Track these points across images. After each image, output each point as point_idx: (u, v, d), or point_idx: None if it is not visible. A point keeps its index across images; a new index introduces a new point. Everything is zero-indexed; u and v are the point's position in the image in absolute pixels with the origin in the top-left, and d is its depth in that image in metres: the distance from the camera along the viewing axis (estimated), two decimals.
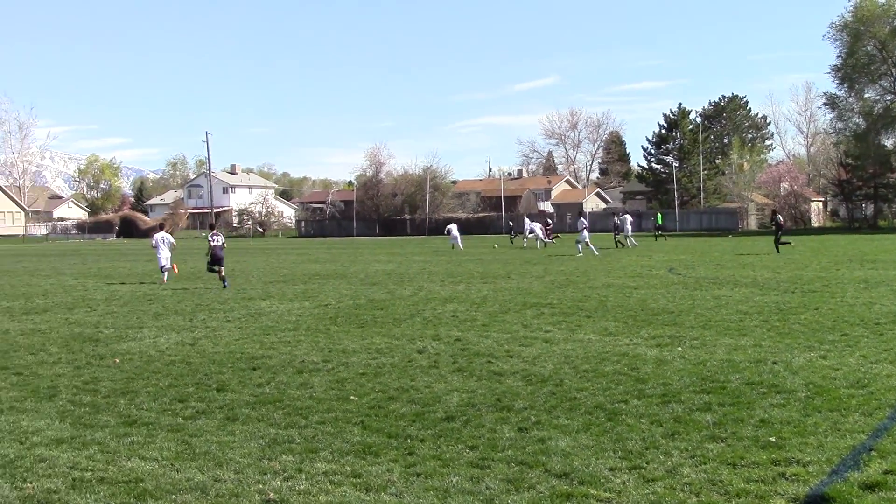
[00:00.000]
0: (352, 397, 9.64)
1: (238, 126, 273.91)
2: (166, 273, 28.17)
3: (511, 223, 51.13)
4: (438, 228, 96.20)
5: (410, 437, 7.91)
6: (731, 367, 10.82)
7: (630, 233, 48.10)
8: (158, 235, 29.27)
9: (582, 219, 42.41)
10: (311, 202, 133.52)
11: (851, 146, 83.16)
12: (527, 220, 50.95)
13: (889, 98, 79.69)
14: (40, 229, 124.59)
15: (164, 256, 28.32)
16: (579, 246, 40.99)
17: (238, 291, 23.60)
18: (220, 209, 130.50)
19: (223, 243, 26.32)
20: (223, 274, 25.73)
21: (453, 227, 50.19)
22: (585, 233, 41.08)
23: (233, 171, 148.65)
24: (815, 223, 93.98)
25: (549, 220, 56.45)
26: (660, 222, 61.80)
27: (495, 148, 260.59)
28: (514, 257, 40.25)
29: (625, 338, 13.57)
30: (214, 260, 25.80)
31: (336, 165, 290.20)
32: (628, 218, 48.91)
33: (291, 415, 8.88)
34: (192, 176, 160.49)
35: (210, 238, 26.36)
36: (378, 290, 23.37)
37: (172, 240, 29.39)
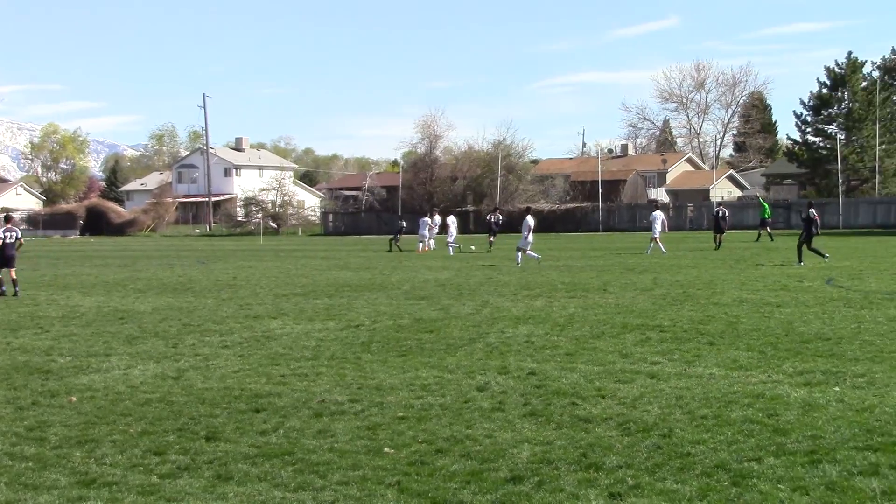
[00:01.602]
0: (386, 450, 9.71)
1: (246, 87, 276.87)
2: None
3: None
4: (513, 223, 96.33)
5: None
6: None
7: (657, 234, 47.87)
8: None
9: (657, 212, 48.12)
10: (342, 188, 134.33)
11: None
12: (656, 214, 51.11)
13: None
14: None
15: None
16: (651, 246, 46.72)
17: (241, 307, 23.88)
18: (221, 197, 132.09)
19: (18, 239, 28.34)
20: (14, 277, 27.50)
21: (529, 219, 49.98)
22: (657, 228, 46.94)
23: (238, 147, 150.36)
24: None
25: (493, 218, 56.92)
26: (766, 216, 61.49)
27: (591, 116, 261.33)
28: (612, 263, 40.16)
29: (760, 373, 13.49)
30: (3, 260, 27.51)
31: (376, 139, 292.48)
32: (659, 215, 48.97)
33: (305, 472, 8.98)
34: (183, 153, 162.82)
35: (2, 233, 27.96)
36: (427, 306, 23.50)
37: (19, 233, 29.51)
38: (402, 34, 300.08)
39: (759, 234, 60.37)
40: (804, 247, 36.30)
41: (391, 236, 60.29)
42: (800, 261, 35.78)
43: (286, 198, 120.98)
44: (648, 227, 50.22)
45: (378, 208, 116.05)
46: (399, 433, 10.40)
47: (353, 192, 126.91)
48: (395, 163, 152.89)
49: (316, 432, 10.52)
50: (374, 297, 25.92)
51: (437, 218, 60.14)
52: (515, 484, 8.48)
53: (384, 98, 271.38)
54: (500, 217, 60.05)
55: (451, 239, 55.02)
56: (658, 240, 47.85)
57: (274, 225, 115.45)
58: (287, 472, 9.04)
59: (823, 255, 36.77)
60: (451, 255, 49.04)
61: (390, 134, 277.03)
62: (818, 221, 37.13)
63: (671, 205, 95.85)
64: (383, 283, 30.88)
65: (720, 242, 51.90)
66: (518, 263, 39.30)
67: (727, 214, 55.12)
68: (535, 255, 40.57)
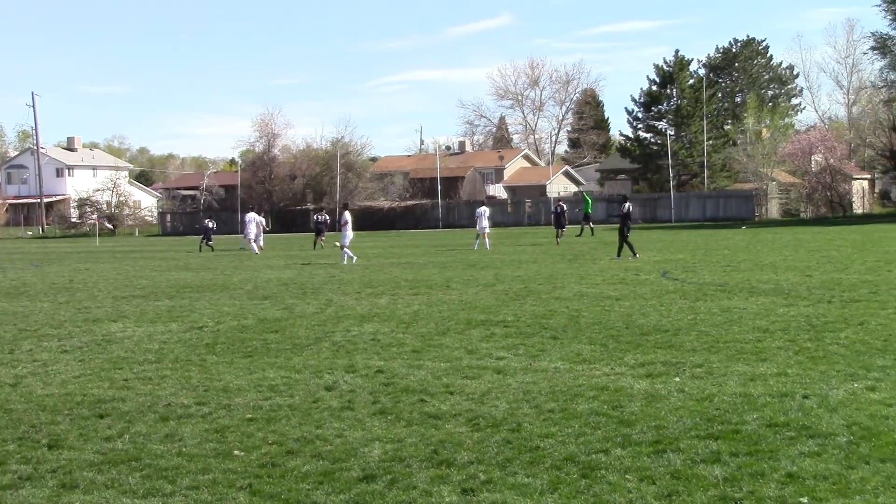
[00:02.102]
0: (236, 452, 9.59)
1: (77, 86, 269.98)
2: None
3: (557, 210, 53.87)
4: (353, 221, 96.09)
5: None
6: (747, 403, 10.99)
7: (485, 230, 48.95)
8: None
9: (483, 208, 50.37)
10: (179, 188, 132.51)
11: None
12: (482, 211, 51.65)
13: None
14: None
15: None
16: (477, 241, 48.70)
17: (79, 311, 23.35)
18: (53, 198, 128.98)
19: None
20: None
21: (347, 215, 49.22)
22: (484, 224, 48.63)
23: (70, 147, 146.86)
24: (858, 208, 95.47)
25: (320, 217, 59.00)
26: (589, 210, 63.48)
27: (428, 113, 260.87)
28: (454, 260, 40.40)
29: (604, 366, 13.70)
30: None
31: (212, 138, 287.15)
32: (484, 211, 50.23)
33: (153, 478, 8.82)
34: (11, 153, 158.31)
35: None
36: (271, 305, 23.32)
37: None
38: (236, 30, 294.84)
39: (582, 229, 61.95)
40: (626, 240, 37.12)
41: (202, 237, 59.59)
42: (634, 254, 36.53)
43: (122, 198, 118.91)
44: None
45: (217, 207, 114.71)
46: (248, 435, 10.29)
47: (191, 192, 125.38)
48: (232, 162, 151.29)
49: (163, 437, 10.34)
50: (217, 298, 25.62)
51: (261, 218, 59.98)
52: (368, 483, 8.46)
53: (220, 96, 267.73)
54: (327, 217, 60.52)
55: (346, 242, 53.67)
56: (486, 235, 48.53)
57: (110, 226, 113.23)
58: (135, 478, 8.86)
59: (635, 253, 37.05)
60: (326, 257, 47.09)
61: (227, 133, 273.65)
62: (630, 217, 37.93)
63: (509, 201, 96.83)
64: (225, 284, 30.54)
65: (562, 236, 53.33)
66: (345, 262, 39.18)
67: (566, 210, 56.39)
68: (351, 254, 40.05)
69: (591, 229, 61.12)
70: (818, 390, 11.49)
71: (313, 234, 58.64)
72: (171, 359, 15.52)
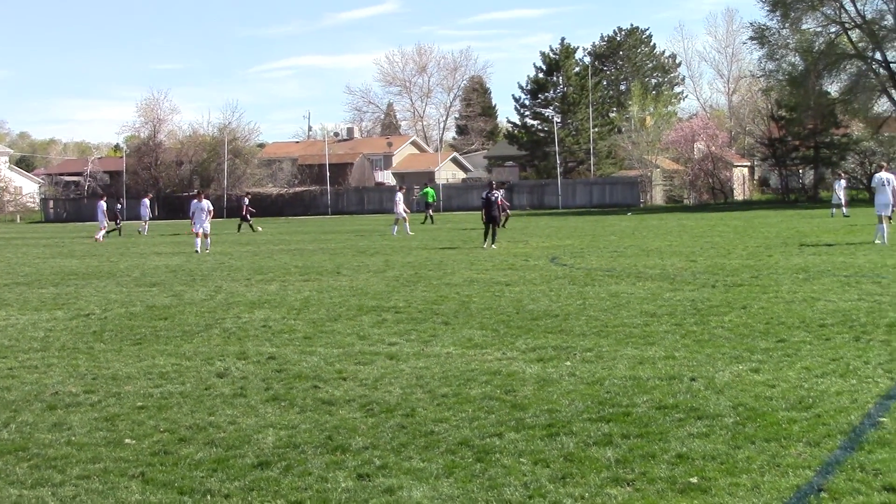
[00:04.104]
0: (127, 441, 9.45)
1: None
2: None
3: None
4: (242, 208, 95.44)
5: (211, 493, 7.82)
6: (637, 385, 11.11)
7: (403, 215, 49.63)
8: None
9: (400, 194, 51.99)
10: (62, 174, 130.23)
11: (785, 94, 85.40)
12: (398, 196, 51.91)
13: (833, 30, 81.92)
14: None
15: None
16: (395, 227, 49.27)
17: None
18: None
19: None
20: None
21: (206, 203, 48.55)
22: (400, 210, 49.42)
23: None
24: (738, 195, 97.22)
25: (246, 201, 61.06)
26: (431, 200, 64.89)
27: (316, 99, 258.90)
28: (344, 246, 40.31)
29: (495, 350, 13.75)
30: None
31: (96, 123, 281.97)
32: (402, 197, 50.97)
33: (41, 468, 8.65)
34: None
35: None
36: (160, 292, 23.03)
37: None
38: (119, 14, 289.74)
39: (426, 217, 63.05)
40: (501, 225, 37.01)
41: (115, 223, 59.40)
42: (493, 242, 36.08)
43: (1, 184, 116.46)
44: (377, 210, 51.00)
45: (101, 194, 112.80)
46: (139, 423, 10.14)
47: (75, 178, 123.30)
48: (117, 147, 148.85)
49: (51, 426, 10.14)
50: (104, 285, 25.22)
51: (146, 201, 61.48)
52: (263, 469, 8.39)
53: (103, 81, 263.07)
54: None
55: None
56: (406, 220, 48.77)
57: None
58: (22, 468, 8.67)
59: (493, 242, 36.12)
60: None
61: (111, 118, 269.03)
62: (500, 205, 37.58)
63: (399, 187, 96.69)
64: (112, 271, 30.09)
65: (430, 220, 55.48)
66: (198, 251, 38.11)
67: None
68: (199, 243, 38.82)
69: (432, 218, 62.78)
70: (705, 373, 11.67)
71: (239, 219, 59.89)
72: (57, 347, 15.24)
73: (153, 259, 35.18)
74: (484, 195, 37.29)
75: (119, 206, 63.06)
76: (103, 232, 54.13)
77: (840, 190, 52.28)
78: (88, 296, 22.72)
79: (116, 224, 59.29)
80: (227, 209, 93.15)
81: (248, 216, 59.63)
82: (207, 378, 12.39)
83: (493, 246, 35.56)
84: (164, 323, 17.66)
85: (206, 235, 39.09)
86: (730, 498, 7.29)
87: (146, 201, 64.69)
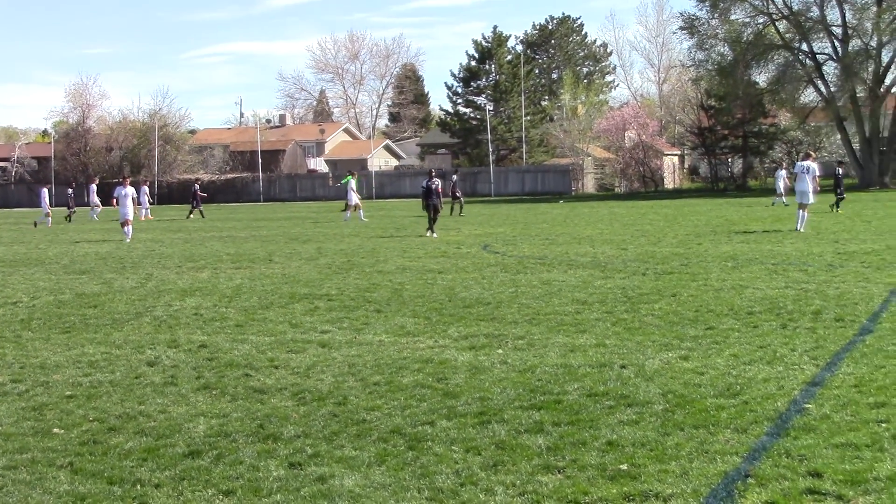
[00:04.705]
0: (55, 430, 9.36)
1: None
2: None
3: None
4: (172, 194, 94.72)
5: (141, 482, 7.77)
6: (568, 373, 11.18)
7: (354, 201, 49.71)
8: None
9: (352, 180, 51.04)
10: None
11: (715, 83, 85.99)
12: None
13: (761, 21, 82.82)
14: None
15: None
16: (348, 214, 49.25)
17: None
18: None
19: None
20: None
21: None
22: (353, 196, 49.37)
23: None
24: (669, 183, 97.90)
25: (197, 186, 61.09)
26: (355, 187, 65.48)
27: (248, 86, 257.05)
28: (276, 234, 40.14)
29: (428, 338, 13.78)
30: None
31: (22, 108, 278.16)
32: (353, 183, 50.98)
33: None
34: None
35: None
36: (89, 280, 22.81)
37: None
38: None
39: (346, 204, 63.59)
40: (459, 213, 37.02)
41: (69, 209, 59.27)
42: (431, 230, 35.95)
43: None
44: (309, 197, 50.87)
45: (29, 180, 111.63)
46: (68, 412, 10.04)
47: (2, 164, 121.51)
48: (45, 133, 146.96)
49: None
50: (31, 273, 24.93)
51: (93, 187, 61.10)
52: (194, 458, 8.34)
53: (29, 65, 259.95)
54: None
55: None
56: (359, 206, 48.73)
57: None
58: None
59: (433, 233, 35.56)
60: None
61: (38, 103, 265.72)
62: (439, 193, 37.13)
63: (330, 174, 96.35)
64: (40, 258, 29.74)
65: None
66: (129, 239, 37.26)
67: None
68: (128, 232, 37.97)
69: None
70: (635, 360, 11.76)
71: (190, 205, 60.41)
72: None
73: (83, 246, 34.81)
74: (424, 184, 37.12)
75: (70, 191, 62.35)
76: (50, 219, 53.49)
77: (780, 180, 52.99)
78: (16, 283, 22.45)
79: (69, 209, 58.92)
80: (159, 196, 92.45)
81: (198, 202, 59.40)
82: (138, 367, 12.30)
83: (433, 235, 35.22)
84: (94, 311, 17.49)
85: (127, 223, 37.90)
86: (659, 484, 7.36)
87: (146, 188, 63.60)
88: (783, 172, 54.07)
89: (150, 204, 63.56)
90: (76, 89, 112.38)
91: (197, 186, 61.20)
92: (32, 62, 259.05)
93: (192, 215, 58.10)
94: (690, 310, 15.57)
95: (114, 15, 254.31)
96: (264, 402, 10.26)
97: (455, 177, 56.95)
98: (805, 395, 9.88)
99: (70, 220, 56.82)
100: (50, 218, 53.55)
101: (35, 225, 52.10)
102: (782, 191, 52.20)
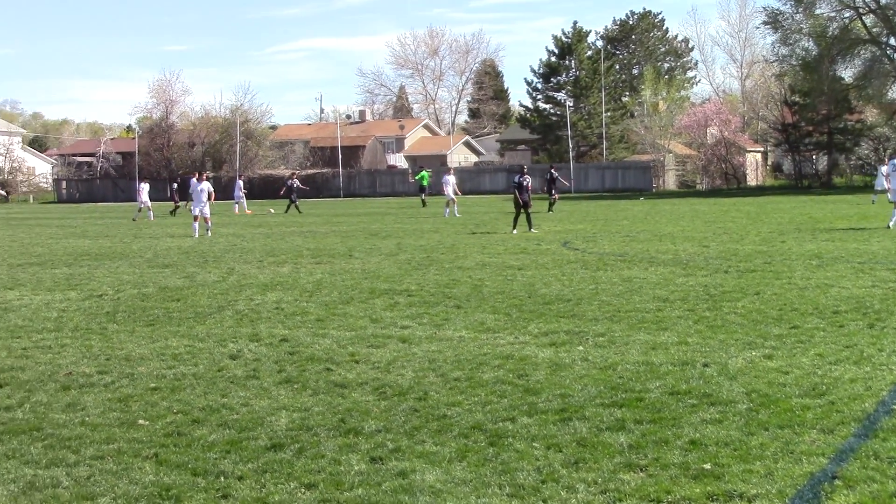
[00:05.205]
0: (140, 421, 9.49)
1: None
2: None
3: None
4: (253, 190, 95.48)
5: (224, 474, 7.85)
6: (650, 371, 11.12)
7: (452, 196, 49.69)
8: None
9: (449, 176, 50.81)
10: (74, 154, 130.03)
11: (799, 79, 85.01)
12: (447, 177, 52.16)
13: (847, 15, 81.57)
14: None
15: None
16: (447, 209, 48.59)
17: None
18: None
19: None
20: None
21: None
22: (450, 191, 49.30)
23: None
24: (751, 180, 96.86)
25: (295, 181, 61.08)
26: (425, 184, 65.34)
27: (328, 81, 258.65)
28: (356, 229, 40.32)
29: (508, 335, 13.77)
30: None
31: (109, 104, 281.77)
32: (451, 179, 50.95)
33: (56, 448, 8.68)
34: None
35: None
36: (172, 274, 23.07)
37: None
38: None
39: (423, 200, 63.36)
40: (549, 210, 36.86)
41: (175, 203, 60.09)
42: (522, 226, 35.78)
43: (15, 164, 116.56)
44: (389, 193, 51.00)
45: (114, 175, 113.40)
46: (153, 404, 10.17)
47: (88, 159, 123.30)
48: (129, 128, 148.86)
49: (65, 406, 10.18)
50: (116, 266, 25.27)
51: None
52: (276, 451, 8.41)
53: (117, 60, 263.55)
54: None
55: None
56: (455, 202, 48.93)
57: (3, 192, 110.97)
58: (37, 448, 8.71)
59: (531, 227, 35.34)
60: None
61: (123, 98, 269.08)
62: (529, 190, 36.64)
63: (410, 171, 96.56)
64: (124, 252, 30.15)
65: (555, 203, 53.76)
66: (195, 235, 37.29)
67: (556, 176, 55.54)
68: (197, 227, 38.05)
69: (425, 201, 63.75)
70: (718, 358, 11.67)
71: (288, 200, 60.27)
72: (70, 327, 15.29)
73: (166, 241, 35.22)
74: (516, 179, 36.66)
75: (175, 186, 62.64)
76: (152, 212, 53.99)
77: (881, 176, 51.44)
78: (101, 277, 22.77)
79: (175, 204, 59.21)
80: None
81: (296, 197, 59.17)
82: (220, 360, 12.43)
83: (532, 230, 34.94)
84: (177, 304, 17.70)
85: (204, 220, 37.98)
86: (743, 484, 7.29)
87: (240, 182, 64.57)
88: (885, 169, 52.97)
89: (243, 198, 63.76)
90: (159, 85, 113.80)
91: (296, 182, 61.24)
92: (117, 59, 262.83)
93: (288, 210, 58.11)
94: (774, 308, 15.41)
95: (195, 12, 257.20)
96: (345, 396, 10.32)
97: (555, 172, 56.26)
98: (894, 396, 9.74)
99: (174, 214, 57.18)
100: (151, 212, 53.88)
101: (134, 220, 52.28)
102: (885, 187, 51.05)
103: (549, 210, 50.70)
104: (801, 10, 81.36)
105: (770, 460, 7.83)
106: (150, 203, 54.47)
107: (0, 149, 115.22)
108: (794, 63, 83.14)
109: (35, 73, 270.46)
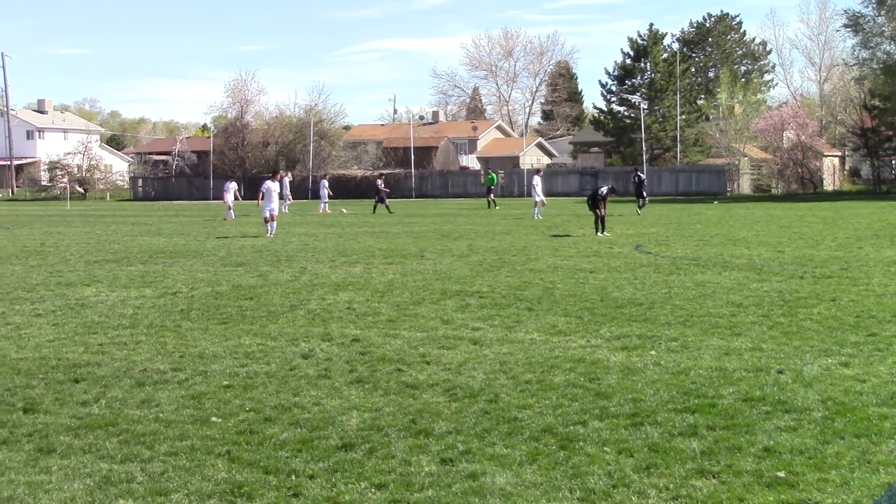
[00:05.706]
0: (213, 419, 9.59)
1: (47, 47, 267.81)
2: None
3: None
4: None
5: (295, 473, 7.92)
6: (723, 377, 11.04)
7: (540, 198, 49.53)
8: None
9: (537, 177, 50.35)
10: (151, 153, 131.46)
11: (879, 83, 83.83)
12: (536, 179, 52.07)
13: None
14: None
15: None
16: (536, 210, 48.58)
17: (52, 274, 23.23)
18: (23, 160, 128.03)
19: None
20: None
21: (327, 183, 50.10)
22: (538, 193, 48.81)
23: (41, 110, 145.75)
24: (828, 185, 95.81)
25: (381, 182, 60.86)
26: (492, 184, 65.11)
27: (401, 82, 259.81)
28: (428, 230, 40.39)
29: (579, 338, 13.74)
30: None
31: (185, 103, 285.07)
32: (539, 180, 50.53)
33: (130, 444, 8.80)
34: None
35: None
36: (245, 272, 23.26)
37: None
38: None
39: (489, 202, 64.23)
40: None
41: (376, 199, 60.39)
42: (600, 230, 35.56)
43: (93, 162, 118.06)
44: (461, 194, 51.00)
45: (189, 173, 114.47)
46: (225, 402, 10.27)
47: (163, 157, 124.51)
48: (204, 127, 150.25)
49: (139, 402, 10.32)
50: (190, 264, 25.53)
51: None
52: (347, 451, 8.46)
53: (194, 60, 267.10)
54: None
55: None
56: (544, 205, 49.07)
57: (81, 190, 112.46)
58: (112, 443, 8.84)
59: (604, 230, 35.07)
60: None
61: (199, 98, 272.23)
62: (605, 198, 36.19)
63: (482, 172, 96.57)
64: (198, 250, 30.44)
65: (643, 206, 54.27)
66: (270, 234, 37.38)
67: (644, 179, 56.85)
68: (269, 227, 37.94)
69: (494, 202, 63.71)
70: (793, 365, 11.56)
71: (375, 200, 59.92)
72: (145, 324, 15.48)
73: (238, 239, 35.50)
74: (604, 190, 36.15)
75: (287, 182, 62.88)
76: (232, 212, 53.80)
77: None
78: (175, 274, 23.01)
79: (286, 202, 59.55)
80: (312, 190, 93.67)
81: (383, 197, 59.05)
82: (292, 359, 12.52)
83: (606, 234, 34.77)
84: (250, 303, 17.84)
85: (272, 218, 37.97)
86: (818, 493, 7.22)
87: (325, 182, 66.05)
88: None
89: (330, 197, 64.84)
90: (235, 85, 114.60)
91: (381, 182, 61.43)
92: (193, 59, 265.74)
93: (376, 210, 58.12)
94: (851, 315, 15.23)
95: (270, 12, 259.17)
96: (416, 397, 10.36)
97: (641, 174, 56.26)
98: None
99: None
100: (232, 211, 54.03)
101: (225, 219, 52.33)
102: None
103: (639, 213, 51.10)
104: (883, 12, 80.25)
105: (846, 469, 7.74)
106: (232, 202, 54.43)
107: (79, 147, 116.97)
108: (875, 66, 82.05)
109: (113, 72, 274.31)
